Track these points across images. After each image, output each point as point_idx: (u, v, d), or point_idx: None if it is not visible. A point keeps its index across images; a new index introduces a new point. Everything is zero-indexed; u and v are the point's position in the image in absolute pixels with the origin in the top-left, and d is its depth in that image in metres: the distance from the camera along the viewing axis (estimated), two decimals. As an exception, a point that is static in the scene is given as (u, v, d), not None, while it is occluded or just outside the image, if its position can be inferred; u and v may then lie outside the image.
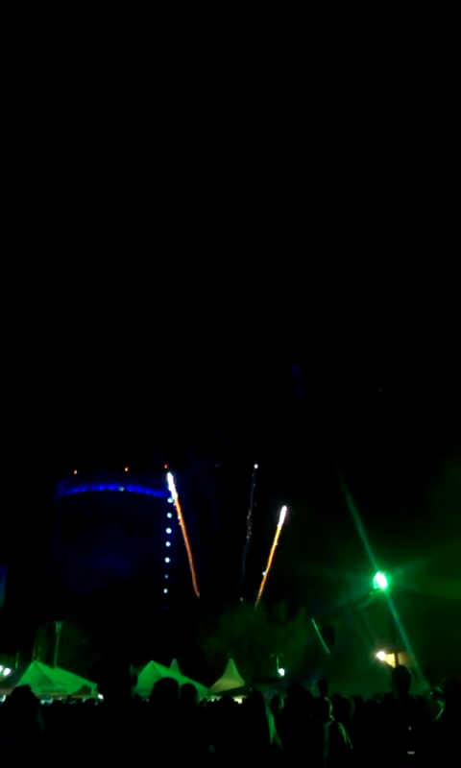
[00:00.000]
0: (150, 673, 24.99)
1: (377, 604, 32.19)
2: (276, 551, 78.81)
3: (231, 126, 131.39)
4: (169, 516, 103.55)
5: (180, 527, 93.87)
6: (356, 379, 76.62)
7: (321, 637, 27.27)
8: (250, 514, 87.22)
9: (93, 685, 26.17)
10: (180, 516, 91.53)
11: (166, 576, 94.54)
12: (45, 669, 28.48)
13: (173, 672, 29.21)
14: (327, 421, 72.42)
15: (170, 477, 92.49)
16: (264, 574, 77.73)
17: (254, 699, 6.73)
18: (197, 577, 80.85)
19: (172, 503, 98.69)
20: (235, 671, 33.66)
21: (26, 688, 6.15)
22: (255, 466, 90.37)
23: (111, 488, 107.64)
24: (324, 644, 26.55)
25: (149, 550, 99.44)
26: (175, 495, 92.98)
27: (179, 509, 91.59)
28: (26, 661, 33.59)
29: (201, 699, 17.61)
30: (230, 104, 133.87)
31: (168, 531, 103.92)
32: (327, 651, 25.25)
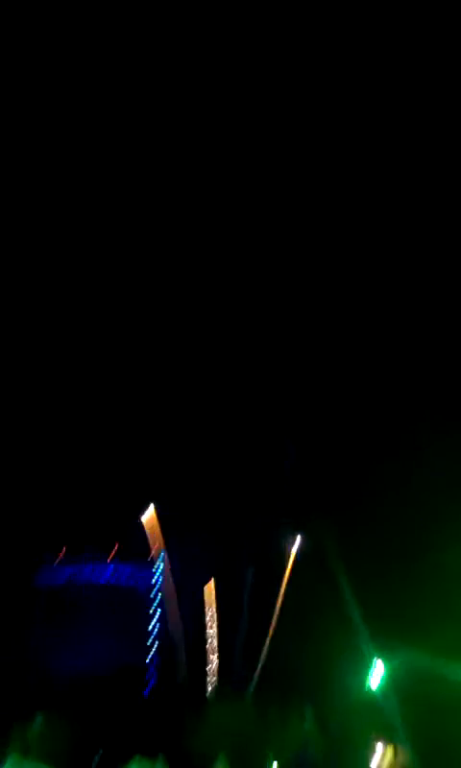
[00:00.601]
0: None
1: (374, 698, 31.26)
2: (271, 640, 76.52)
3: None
4: (159, 598, 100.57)
5: (170, 615, 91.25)
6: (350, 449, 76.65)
7: (316, 733, 26.57)
8: (246, 598, 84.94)
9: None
10: (170, 603, 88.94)
11: (155, 663, 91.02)
12: (24, 764, 27.63)
13: (159, 769, 27.88)
14: (321, 495, 71.94)
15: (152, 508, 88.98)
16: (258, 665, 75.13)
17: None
18: (188, 667, 77.83)
19: (160, 586, 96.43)
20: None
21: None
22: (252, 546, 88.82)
23: (97, 571, 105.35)
24: (318, 740, 25.88)
25: (136, 638, 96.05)
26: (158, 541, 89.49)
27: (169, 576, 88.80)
28: (3, 755, 32.25)
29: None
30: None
31: (157, 615, 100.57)
32: (322, 747, 24.58)
